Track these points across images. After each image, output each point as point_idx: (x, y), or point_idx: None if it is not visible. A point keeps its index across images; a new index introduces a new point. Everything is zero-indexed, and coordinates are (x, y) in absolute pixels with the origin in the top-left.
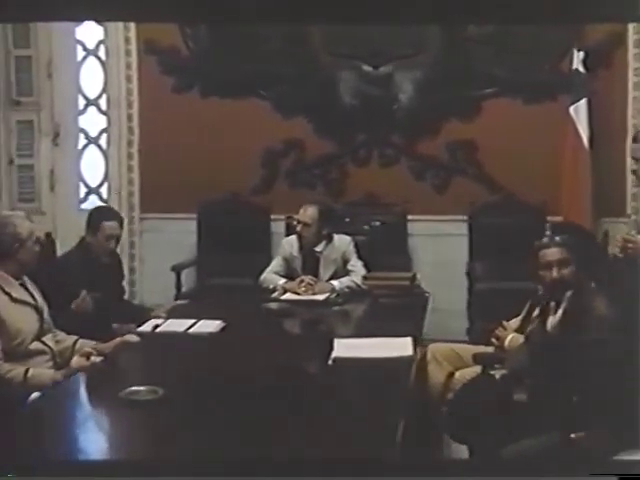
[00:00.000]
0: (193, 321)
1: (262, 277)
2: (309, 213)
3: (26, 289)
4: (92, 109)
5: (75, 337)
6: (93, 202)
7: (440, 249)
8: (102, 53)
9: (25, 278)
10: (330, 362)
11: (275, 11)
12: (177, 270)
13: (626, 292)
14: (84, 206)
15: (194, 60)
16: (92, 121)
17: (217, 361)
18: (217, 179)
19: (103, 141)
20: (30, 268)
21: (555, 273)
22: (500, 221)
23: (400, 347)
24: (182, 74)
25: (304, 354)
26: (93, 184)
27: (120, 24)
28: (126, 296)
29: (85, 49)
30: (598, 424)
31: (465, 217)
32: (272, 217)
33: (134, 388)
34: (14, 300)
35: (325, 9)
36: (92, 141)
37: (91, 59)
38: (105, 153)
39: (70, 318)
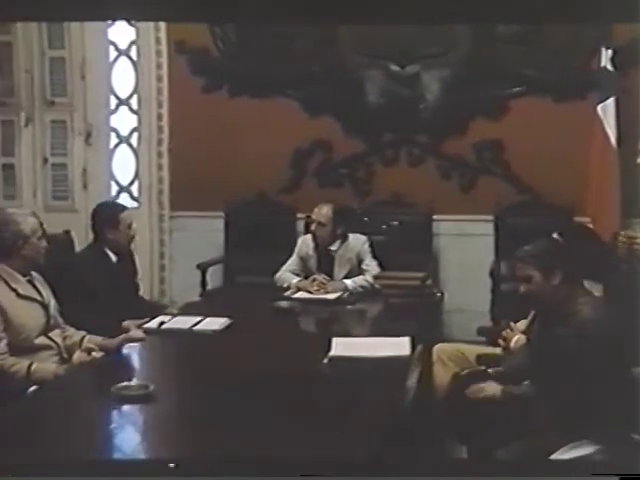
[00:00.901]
0: (199, 318)
1: (277, 275)
2: (324, 212)
3: (33, 286)
4: (123, 108)
5: (83, 333)
6: (125, 200)
7: (466, 249)
8: (134, 53)
9: (34, 274)
10: (325, 361)
11: (302, 11)
12: (202, 268)
13: (627, 291)
14: None
15: (223, 60)
16: (123, 120)
17: (215, 358)
18: (245, 178)
19: (134, 140)
20: (37, 264)
21: (522, 288)
22: (526, 221)
23: (397, 347)
24: (211, 74)
25: (303, 352)
26: (124, 182)
27: (151, 25)
28: (155, 292)
29: (117, 49)
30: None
31: (491, 217)
32: (298, 216)
33: (125, 384)
34: (20, 296)
35: (352, 9)
36: (123, 140)
37: (123, 59)
38: (136, 152)
39: (81, 314)
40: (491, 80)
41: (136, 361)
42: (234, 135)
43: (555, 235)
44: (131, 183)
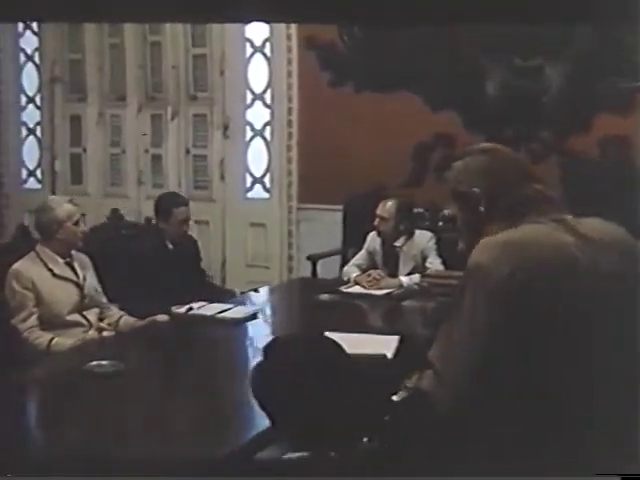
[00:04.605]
0: (229, 306)
1: (344, 269)
2: (387, 207)
3: (71, 267)
4: (258, 103)
5: (122, 313)
6: (258, 191)
7: None
8: (268, 50)
9: (75, 256)
10: None
11: (425, 13)
12: (313, 260)
13: None
14: (250, 195)
15: (349, 55)
16: (258, 114)
17: (206, 343)
18: (367, 172)
19: (267, 133)
20: (75, 247)
21: None
22: None
23: (382, 345)
24: (338, 69)
25: None
26: (258, 174)
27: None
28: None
29: (253, 46)
30: None
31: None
32: (415, 211)
33: (97, 362)
34: (55, 276)
35: (474, 10)
36: (258, 133)
37: (258, 56)
38: (268, 145)
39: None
40: (617, 72)
41: (135, 342)
42: (358, 129)
43: None
44: (264, 175)
